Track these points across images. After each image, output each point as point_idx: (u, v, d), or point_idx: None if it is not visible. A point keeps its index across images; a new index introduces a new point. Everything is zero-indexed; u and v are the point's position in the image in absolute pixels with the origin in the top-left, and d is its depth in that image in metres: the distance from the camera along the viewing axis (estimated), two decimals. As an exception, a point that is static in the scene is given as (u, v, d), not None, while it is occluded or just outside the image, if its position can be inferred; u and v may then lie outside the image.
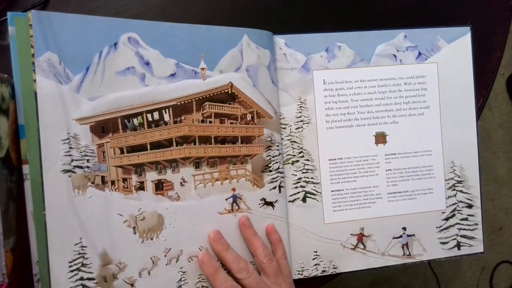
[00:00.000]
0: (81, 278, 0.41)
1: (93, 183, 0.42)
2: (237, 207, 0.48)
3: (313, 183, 0.52)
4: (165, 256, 0.45)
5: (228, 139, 0.49)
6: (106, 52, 0.42)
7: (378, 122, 0.54)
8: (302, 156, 0.52)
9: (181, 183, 0.46)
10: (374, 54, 0.54)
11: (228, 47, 0.47)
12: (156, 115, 0.45)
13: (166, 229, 0.45)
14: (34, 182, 0.40)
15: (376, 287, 1.31)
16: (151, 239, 0.44)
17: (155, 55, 0.45)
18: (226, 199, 0.48)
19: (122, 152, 0.44)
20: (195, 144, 0.47)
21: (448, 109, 0.55)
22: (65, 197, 0.40)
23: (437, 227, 0.56)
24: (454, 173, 0.56)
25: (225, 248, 0.46)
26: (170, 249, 0.45)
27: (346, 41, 0.53)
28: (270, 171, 0.50)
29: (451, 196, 0.56)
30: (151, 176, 0.45)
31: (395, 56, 0.54)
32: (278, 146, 0.51)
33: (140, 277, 0.44)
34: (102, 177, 0.43)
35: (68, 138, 0.41)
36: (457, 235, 0.56)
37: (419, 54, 0.55)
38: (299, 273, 0.52)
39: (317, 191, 0.52)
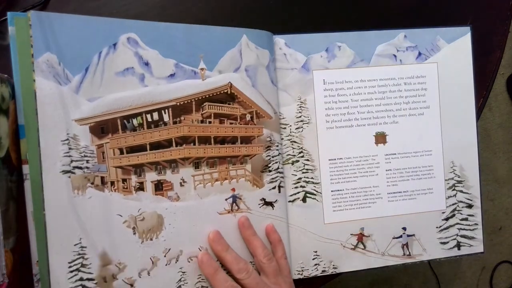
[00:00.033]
0: (81, 279, 0.41)
1: (92, 183, 0.42)
2: (236, 207, 0.48)
3: (313, 183, 0.52)
4: (165, 256, 0.45)
5: (228, 139, 0.49)
6: (105, 53, 0.42)
7: (378, 122, 0.54)
8: (302, 156, 0.52)
9: (180, 183, 0.46)
10: (374, 54, 0.54)
11: (227, 47, 0.47)
12: (155, 115, 0.45)
13: (165, 230, 0.45)
14: (34, 182, 0.40)
15: (376, 287, 1.31)
16: (151, 239, 0.44)
17: (154, 55, 0.45)
18: (226, 199, 0.48)
19: (121, 152, 0.44)
20: (194, 144, 0.47)
21: (448, 109, 0.55)
22: (64, 197, 0.40)
23: (437, 227, 0.56)
24: (454, 173, 0.56)
25: (224, 249, 0.46)
26: (169, 249, 0.45)
27: (346, 41, 0.53)
28: (270, 171, 0.50)
29: (451, 196, 0.56)
30: (150, 176, 0.45)
31: (395, 56, 0.54)
32: (277, 146, 0.51)
33: (140, 277, 0.44)
34: (102, 178, 0.43)
35: (67, 139, 0.41)
36: (457, 235, 0.56)
37: (419, 54, 0.55)
38: (299, 273, 0.52)
39: (317, 191, 0.52)
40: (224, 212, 0.48)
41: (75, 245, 0.41)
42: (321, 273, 0.52)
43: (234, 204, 0.48)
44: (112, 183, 0.43)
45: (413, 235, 0.55)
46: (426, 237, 0.55)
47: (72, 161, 0.41)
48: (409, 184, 0.55)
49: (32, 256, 0.40)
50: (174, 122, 0.46)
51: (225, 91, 0.48)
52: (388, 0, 0.59)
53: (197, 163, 0.47)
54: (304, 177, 0.52)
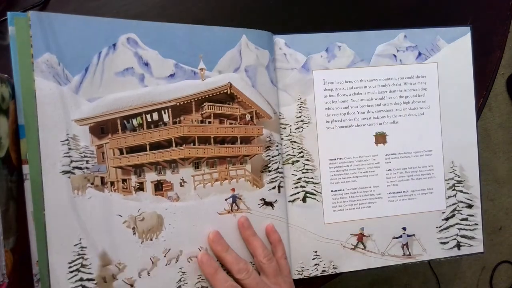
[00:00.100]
0: (81, 279, 0.41)
1: (92, 184, 0.42)
2: (236, 207, 0.48)
3: (313, 183, 0.52)
4: (165, 256, 0.45)
5: (228, 139, 0.49)
6: (105, 53, 0.42)
7: (378, 122, 0.54)
8: (302, 156, 0.52)
9: (180, 183, 0.46)
10: (374, 54, 0.54)
11: (226, 48, 0.47)
12: (155, 115, 0.45)
13: (165, 230, 0.45)
14: (34, 182, 0.40)
15: (376, 287, 1.31)
16: (151, 239, 0.44)
17: (154, 55, 0.45)
18: (226, 200, 0.48)
19: (121, 153, 0.44)
20: (194, 144, 0.47)
21: (448, 109, 0.55)
22: (64, 198, 0.40)
23: (437, 227, 0.56)
24: (454, 173, 0.56)
25: (224, 249, 0.46)
26: (169, 249, 0.45)
27: (346, 41, 0.53)
28: (270, 171, 0.50)
29: (451, 196, 0.56)
30: (150, 176, 0.45)
31: (395, 56, 0.54)
32: (277, 146, 0.51)
33: (140, 277, 0.44)
34: (102, 178, 0.43)
35: (67, 139, 0.41)
36: (457, 235, 0.56)
37: (419, 54, 0.55)
38: (299, 273, 0.52)
39: (317, 191, 0.52)
40: (224, 212, 0.48)
41: (75, 245, 0.41)
42: (321, 273, 0.52)
43: (234, 204, 0.48)
44: (112, 183, 0.43)
45: (413, 235, 0.55)
46: (426, 237, 0.55)
47: (72, 161, 0.41)
48: (409, 184, 0.55)
49: (32, 256, 0.40)
50: (174, 122, 0.46)
51: (225, 91, 0.48)
52: (388, 0, 0.59)
53: (197, 163, 0.47)
54: (304, 177, 0.52)
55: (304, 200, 0.52)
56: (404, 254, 0.55)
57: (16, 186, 0.40)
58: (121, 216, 0.43)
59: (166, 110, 0.45)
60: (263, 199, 0.50)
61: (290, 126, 0.52)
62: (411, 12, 0.59)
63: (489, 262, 1.39)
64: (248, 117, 0.50)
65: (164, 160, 0.46)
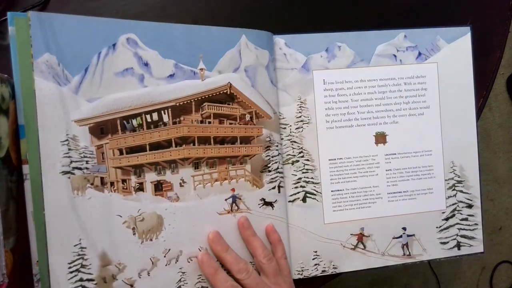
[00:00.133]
0: (81, 279, 0.41)
1: (92, 184, 0.42)
2: (236, 208, 0.48)
3: (313, 183, 0.52)
4: (165, 256, 0.45)
5: (227, 139, 0.49)
6: (104, 53, 0.42)
7: (378, 122, 0.54)
8: (302, 156, 0.52)
9: (180, 183, 0.46)
10: (374, 54, 0.54)
11: (226, 48, 0.47)
12: (155, 116, 0.45)
13: (165, 230, 0.45)
14: (34, 182, 0.40)
15: (376, 287, 1.31)
16: (151, 239, 0.44)
17: (153, 55, 0.45)
18: (226, 200, 0.48)
19: (121, 153, 0.44)
20: (194, 144, 0.47)
21: (448, 109, 0.55)
22: (64, 198, 0.40)
23: (437, 227, 0.56)
24: (454, 173, 0.56)
25: (224, 249, 0.46)
26: (169, 249, 0.45)
27: (346, 41, 0.53)
28: (269, 171, 0.50)
29: (451, 196, 0.56)
30: (150, 177, 0.45)
31: (395, 56, 0.54)
32: (277, 146, 0.51)
33: (140, 277, 0.44)
34: (101, 178, 0.43)
35: (67, 140, 0.41)
36: (457, 235, 0.56)
37: (419, 54, 0.55)
38: (299, 273, 0.52)
39: (317, 191, 0.52)
40: (224, 212, 0.48)
41: (75, 245, 0.41)
42: (321, 273, 0.52)
43: (234, 204, 0.48)
44: (112, 183, 0.43)
45: (413, 235, 0.55)
46: (426, 237, 0.55)
47: (71, 161, 0.41)
48: (409, 184, 0.55)
49: (32, 256, 0.40)
50: (174, 123, 0.46)
51: (225, 91, 0.48)
52: (388, 0, 0.59)
53: (196, 164, 0.47)
54: (304, 177, 0.52)
55: (304, 200, 0.52)
56: (404, 254, 0.55)
57: (16, 186, 0.40)
58: (121, 216, 0.43)
59: (166, 110, 0.45)
60: (263, 199, 0.50)
61: (290, 126, 0.52)
62: (411, 12, 0.59)
63: (489, 262, 1.39)
64: (247, 117, 0.50)
65: (164, 160, 0.46)
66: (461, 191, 0.56)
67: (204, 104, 0.47)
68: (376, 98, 0.54)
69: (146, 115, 0.45)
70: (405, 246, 0.55)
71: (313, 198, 0.52)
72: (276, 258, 0.48)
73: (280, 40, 0.51)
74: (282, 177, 0.51)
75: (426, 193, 0.55)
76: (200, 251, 0.46)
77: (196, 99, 0.47)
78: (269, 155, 0.50)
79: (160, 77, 0.45)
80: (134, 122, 0.45)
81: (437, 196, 0.55)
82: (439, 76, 0.55)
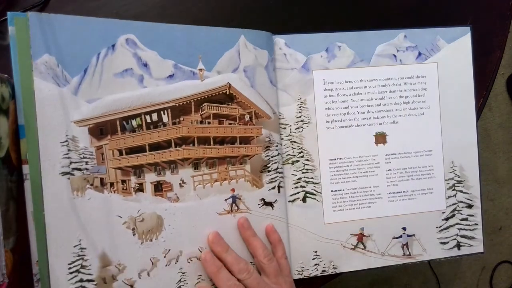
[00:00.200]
0: (81, 280, 0.41)
1: (92, 185, 0.42)
2: (236, 208, 0.48)
3: (313, 183, 0.52)
4: (165, 257, 0.45)
5: (227, 139, 0.49)
6: (104, 54, 0.42)
7: (378, 122, 0.54)
8: (302, 156, 0.52)
9: (180, 184, 0.46)
10: (374, 54, 0.54)
11: (225, 48, 0.47)
12: (154, 116, 0.45)
13: (165, 230, 0.45)
14: (34, 183, 0.40)
15: (376, 287, 1.31)
16: (150, 240, 0.44)
17: (153, 56, 0.45)
18: (225, 200, 0.48)
19: (120, 154, 0.44)
20: (194, 145, 0.47)
21: (448, 109, 0.55)
22: (64, 199, 0.40)
23: (437, 227, 0.56)
24: (454, 173, 0.56)
25: (224, 250, 0.46)
26: (169, 250, 0.45)
27: (346, 41, 0.53)
28: (269, 171, 0.50)
29: (451, 196, 0.56)
30: (150, 177, 0.45)
31: (395, 56, 0.54)
32: (276, 146, 0.51)
33: (140, 278, 0.44)
34: (101, 179, 0.43)
35: (66, 141, 0.41)
36: (457, 235, 0.56)
37: (419, 54, 0.55)
38: (299, 273, 0.52)
39: (317, 191, 0.52)
40: (224, 213, 0.48)
41: (74, 246, 0.41)
42: (321, 273, 0.52)
43: (234, 204, 0.48)
44: (112, 184, 0.43)
45: (413, 235, 0.55)
46: (426, 237, 0.55)
47: (71, 162, 0.41)
48: (409, 184, 0.55)
49: (32, 256, 0.40)
50: (173, 123, 0.46)
51: (224, 91, 0.48)
52: (388, 0, 0.59)
53: (196, 164, 0.47)
54: (304, 177, 0.52)
55: (304, 200, 0.52)
56: (404, 254, 0.55)
57: (16, 186, 0.40)
58: (120, 217, 0.43)
59: (165, 111, 0.45)
60: (263, 199, 0.50)
61: (290, 126, 0.52)
62: (411, 12, 0.59)
63: (489, 262, 1.39)
64: (247, 117, 0.50)
65: (163, 161, 0.46)
66: (461, 191, 0.56)
67: (203, 104, 0.47)
68: (376, 98, 0.54)
69: (146, 116, 0.45)
70: (405, 246, 0.55)
71: (313, 198, 0.52)
72: (277, 258, 0.49)
73: (280, 40, 0.51)
74: (282, 177, 0.51)
75: (426, 193, 0.55)
76: (200, 251, 0.46)
77: (195, 100, 0.47)
78: (268, 155, 0.50)
79: (159, 78, 0.45)
80: (134, 123, 0.45)
81: (437, 196, 0.55)
82: (439, 76, 0.55)
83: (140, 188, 0.45)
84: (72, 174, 0.41)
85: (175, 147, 0.46)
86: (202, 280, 0.46)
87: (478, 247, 0.57)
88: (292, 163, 0.52)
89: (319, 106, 0.52)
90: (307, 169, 0.52)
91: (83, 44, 0.41)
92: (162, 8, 0.54)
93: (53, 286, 0.40)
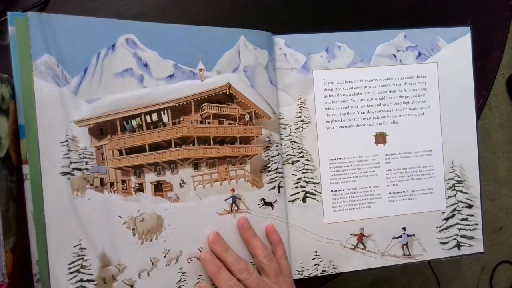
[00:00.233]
0: (81, 280, 0.41)
1: (92, 185, 0.42)
2: (236, 208, 0.48)
3: (313, 183, 0.52)
4: (165, 257, 0.45)
5: (227, 139, 0.49)
6: (104, 54, 0.42)
7: (378, 122, 0.54)
8: (302, 156, 0.52)
9: (180, 184, 0.46)
10: (374, 54, 0.54)
11: (225, 48, 0.47)
12: (154, 116, 0.45)
13: (165, 230, 0.45)
14: (34, 182, 0.40)
15: (376, 287, 1.31)
16: (151, 240, 0.44)
17: (153, 56, 0.45)
18: (225, 200, 0.48)
19: (120, 154, 0.44)
20: (194, 145, 0.47)
21: (448, 109, 0.55)
22: (64, 199, 0.40)
23: (437, 227, 0.56)
24: (454, 173, 0.56)
25: (224, 250, 0.46)
26: (169, 250, 0.45)
27: (346, 41, 0.53)
28: (269, 171, 0.50)
29: (451, 196, 0.56)
30: (150, 177, 0.45)
31: (395, 56, 0.54)
32: (276, 146, 0.51)
33: (140, 278, 0.44)
34: (101, 179, 0.43)
35: (66, 141, 0.41)
36: (457, 235, 0.56)
37: (419, 54, 0.55)
38: (299, 273, 0.52)
39: (317, 191, 0.52)
40: (224, 213, 0.48)
41: (74, 246, 0.41)
42: (321, 273, 0.52)
43: (234, 204, 0.48)
44: (112, 184, 0.43)
45: (413, 235, 0.55)
46: (426, 237, 0.55)
47: (71, 162, 0.41)
48: (409, 184, 0.55)
49: (32, 256, 0.40)
50: (173, 123, 0.46)
51: (224, 91, 0.48)
52: (388, 0, 0.59)
53: (196, 164, 0.47)
54: (304, 177, 0.52)
55: (304, 200, 0.52)
56: (404, 254, 0.55)
57: (16, 186, 0.40)
58: (120, 217, 0.43)
59: (165, 111, 0.45)
60: (263, 199, 0.50)
61: (290, 126, 0.52)
62: (411, 12, 0.59)
63: (489, 262, 1.39)
64: (247, 117, 0.50)
65: (163, 161, 0.46)
66: (461, 191, 0.56)
67: (203, 104, 0.47)
68: (376, 98, 0.54)
69: (146, 116, 0.45)
70: (405, 246, 0.55)
71: (313, 198, 0.52)
72: (277, 258, 0.49)
73: (280, 40, 0.51)
74: (282, 177, 0.51)
75: (426, 193, 0.55)
76: (200, 251, 0.46)
77: (195, 100, 0.47)
78: (268, 155, 0.50)
79: (159, 78, 0.45)
80: (134, 123, 0.45)
81: (437, 196, 0.55)
82: (439, 76, 0.55)
83: (140, 188, 0.45)
84: (72, 174, 0.41)
85: (175, 147, 0.46)
86: (202, 280, 0.46)
87: (478, 247, 0.57)
88: (292, 163, 0.52)
89: (319, 106, 0.52)
90: (307, 169, 0.52)
91: (83, 44, 0.41)
92: (162, 8, 0.54)
93: (53, 286, 0.40)
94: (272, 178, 0.50)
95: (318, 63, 0.52)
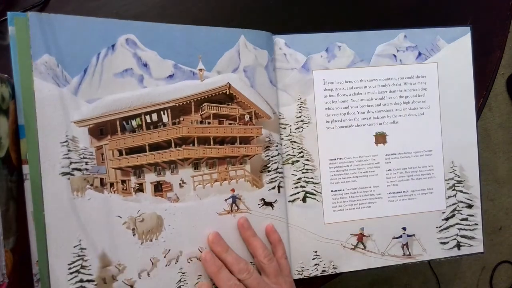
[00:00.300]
0: (81, 280, 0.41)
1: (92, 185, 0.42)
2: (236, 208, 0.48)
3: (313, 183, 0.52)
4: (165, 257, 0.45)
5: (227, 139, 0.49)
6: (104, 54, 0.42)
7: (378, 122, 0.54)
8: (302, 156, 0.52)
9: (180, 184, 0.46)
10: (374, 54, 0.54)
11: (225, 48, 0.47)
12: (154, 116, 0.45)
13: (165, 231, 0.45)
14: (34, 183, 0.40)
15: (376, 287, 1.31)
16: (150, 240, 0.44)
17: (153, 56, 0.45)
18: (225, 200, 0.48)
19: (120, 154, 0.44)
20: (194, 145, 0.47)
21: (448, 109, 0.55)
22: (64, 199, 0.40)
23: (437, 227, 0.56)
24: (454, 173, 0.56)
25: (224, 250, 0.46)
26: (169, 250, 0.45)
27: (346, 41, 0.53)
28: (269, 171, 0.50)
29: (451, 196, 0.56)
30: (150, 177, 0.45)
31: (395, 56, 0.54)
32: (276, 146, 0.51)
33: (140, 278, 0.44)
34: (101, 179, 0.43)
35: (66, 141, 0.41)
36: (457, 235, 0.56)
37: (419, 54, 0.55)
38: (299, 273, 0.52)
39: (317, 191, 0.52)
40: (224, 213, 0.48)
41: (74, 246, 0.41)
42: (321, 273, 0.52)
43: (234, 204, 0.48)
44: (112, 184, 0.43)
45: (413, 235, 0.55)
46: (426, 237, 0.55)
47: (71, 163, 0.41)
48: (409, 184, 0.55)
49: (32, 256, 0.40)
50: (173, 123, 0.46)
51: (224, 91, 0.48)
52: (388, 0, 0.59)
53: (196, 164, 0.47)
54: (304, 177, 0.52)
55: (304, 200, 0.52)
56: (404, 254, 0.55)
57: (16, 186, 0.40)
58: (120, 217, 0.43)
59: (165, 111, 0.45)
60: (263, 199, 0.50)
61: (290, 126, 0.52)
62: (411, 12, 0.59)
63: (489, 262, 1.39)
64: (247, 117, 0.50)
65: (163, 161, 0.46)
66: (461, 191, 0.56)
67: (203, 104, 0.47)
68: (376, 98, 0.54)
69: (146, 116, 0.45)
70: (405, 246, 0.55)
71: (313, 198, 0.52)
72: (277, 258, 0.49)
73: (280, 40, 0.51)
74: (282, 177, 0.51)
75: (426, 193, 0.55)
76: (200, 251, 0.46)
77: (195, 100, 0.47)
78: (268, 155, 0.50)
79: (159, 78, 0.45)
80: (134, 123, 0.45)
81: (437, 196, 0.55)
82: (439, 76, 0.55)
83: (140, 188, 0.45)
84: (72, 174, 0.41)
85: (175, 147, 0.46)
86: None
87: (478, 247, 0.57)
88: (292, 163, 0.52)
89: (319, 106, 0.52)
90: (307, 169, 0.52)
91: (83, 44, 0.41)
92: (162, 8, 0.54)
93: (53, 286, 0.40)
94: (272, 178, 0.50)
95: (318, 63, 0.52)
